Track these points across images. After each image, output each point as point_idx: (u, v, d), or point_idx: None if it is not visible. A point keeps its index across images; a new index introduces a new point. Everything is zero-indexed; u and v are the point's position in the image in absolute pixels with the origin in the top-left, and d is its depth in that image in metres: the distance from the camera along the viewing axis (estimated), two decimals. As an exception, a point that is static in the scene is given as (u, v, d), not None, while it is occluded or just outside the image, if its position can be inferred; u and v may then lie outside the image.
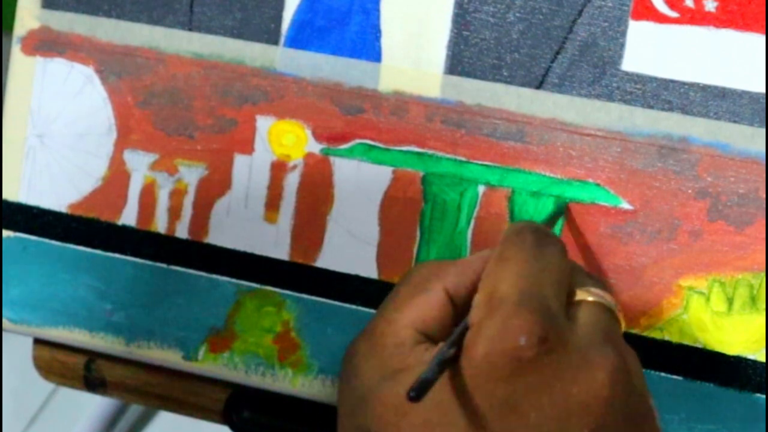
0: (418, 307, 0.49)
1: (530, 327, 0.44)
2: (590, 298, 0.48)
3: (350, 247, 0.61)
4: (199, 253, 0.64)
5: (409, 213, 0.61)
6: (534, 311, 0.45)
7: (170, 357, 0.64)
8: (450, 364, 0.45)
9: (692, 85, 0.57)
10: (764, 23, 0.56)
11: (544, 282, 0.46)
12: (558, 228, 0.59)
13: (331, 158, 0.62)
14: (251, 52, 0.63)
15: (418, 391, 0.42)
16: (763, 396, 0.56)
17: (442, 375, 0.44)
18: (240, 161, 0.63)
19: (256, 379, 0.63)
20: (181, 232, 0.64)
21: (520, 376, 0.44)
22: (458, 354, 0.45)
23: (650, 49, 0.57)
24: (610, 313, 0.48)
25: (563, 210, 0.58)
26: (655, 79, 0.57)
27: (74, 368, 0.68)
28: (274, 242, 0.63)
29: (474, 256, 0.51)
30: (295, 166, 0.62)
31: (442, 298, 0.49)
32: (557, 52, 0.59)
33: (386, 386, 0.46)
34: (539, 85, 0.59)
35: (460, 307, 0.50)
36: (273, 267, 0.63)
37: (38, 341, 0.68)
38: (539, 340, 0.44)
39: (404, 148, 0.61)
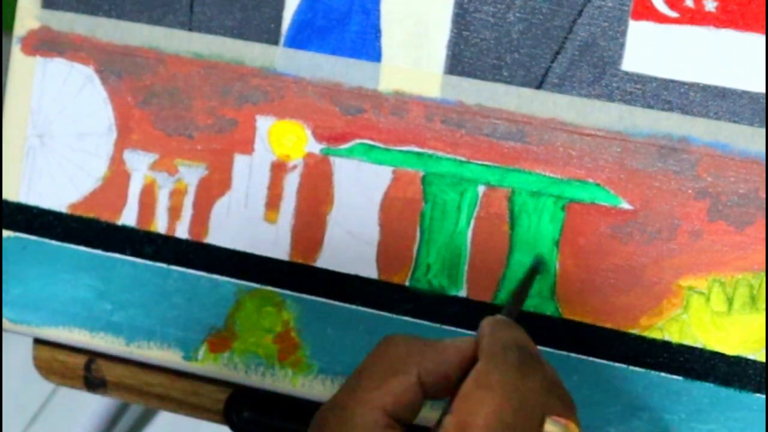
0: (391, 390, 0.49)
1: None
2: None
3: (350, 247, 0.61)
4: (199, 253, 0.64)
5: (409, 213, 0.61)
6: None
7: (170, 357, 0.64)
8: None
9: (692, 85, 0.57)
10: (764, 23, 0.56)
11: (519, 426, 0.47)
12: (557, 228, 0.59)
13: (331, 158, 0.62)
14: (251, 52, 0.63)
15: None
16: (763, 396, 0.56)
17: None
18: (240, 161, 0.63)
19: (256, 379, 0.63)
20: (181, 232, 0.64)
21: None
22: None
23: (650, 49, 0.57)
24: None
25: (539, 266, 0.58)
26: (655, 79, 0.57)
27: (74, 368, 0.68)
28: (274, 242, 0.63)
29: (450, 345, 0.51)
30: (295, 166, 0.62)
31: (414, 382, 0.50)
32: (557, 52, 0.59)
33: None
34: (539, 85, 0.59)
35: (427, 392, 0.50)
36: (273, 267, 0.63)
37: (38, 341, 0.68)
38: None
39: (404, 148, 0.61)
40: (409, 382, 0.50)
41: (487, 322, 0.52)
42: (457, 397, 0.48)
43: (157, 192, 0.64)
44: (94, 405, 1.18)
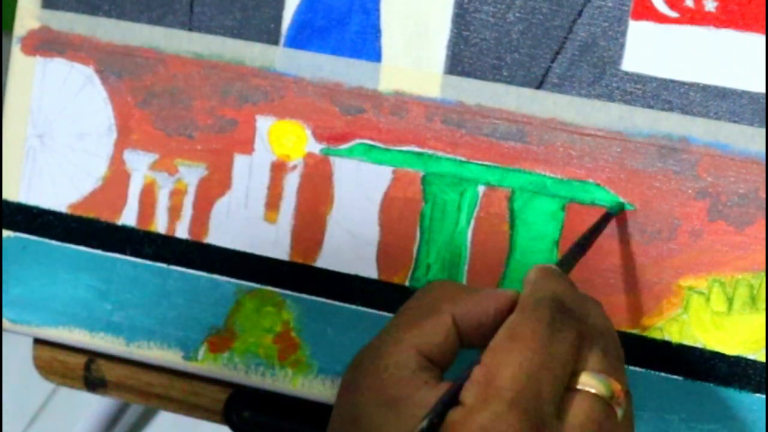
0: (425, 331, 0.49)
1: None
2: (589, 389, 0.48)
3: (350, 247, 0.61)
4: (199, 253, 0.64)
5: (409, 213, 0.61)
6: (524, 416, 0.45)
7: (170, 357, 0.64)
8: None
9: (692, 85, 0.57)
10: (764, 23, 0.56)
11: (546, 379, 0.46)
12: (557, 228, 0.59)
13: (331, 158, 0.62)
14: (251, 52, 0.63)
15: None
16: (763, 396, 0.56)
17: None
18: (240, 161, 0.63)
19: (256, 379, 0.63)
20: (181, 232, 0.64)
21: None
22: (438, 424, 0.45)
23: (650, 49, 0.57)
24: (606, 406, 0.48)
25: (615, 211, 0.57)
26: (655, 79, 0.57)
27: (74, 368, 0.68)
28: (274, 242, 0.63)
29: (490, 294, 0.51)
30: (295, 166, 0.62)
31: (449, 324, 0.49)
32: (557, 52, 0.59)
33: (380, 415, 0.47)
34: (539, 85, 0.59)
35: (463, 338, 0.50)
36: (273, 267, 0.63)
37: (38, 341, 0.68)
38: None
39: (404, 148, 0.61)
40: (442, 323, 0.49)
41: (533, 270, 0.51)
42: (487, 348, 0.47)
43: (157, 192, 0.64)
44: (94, 405, 1.18)
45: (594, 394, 0.47)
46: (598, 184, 0.58)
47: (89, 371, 0.68)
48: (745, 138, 0.56)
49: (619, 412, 0.48)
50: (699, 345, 0.57)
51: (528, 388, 0.46)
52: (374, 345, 0.50)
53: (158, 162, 0.64)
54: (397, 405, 0.47)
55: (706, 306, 0.57)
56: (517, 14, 0.59)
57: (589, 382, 0.48)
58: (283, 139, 0.62)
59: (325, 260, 0.62)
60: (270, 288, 0.63)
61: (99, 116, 0.65)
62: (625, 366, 0.58)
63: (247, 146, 0.63)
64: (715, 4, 0.56)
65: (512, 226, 0.59)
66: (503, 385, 0.46)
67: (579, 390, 0.48)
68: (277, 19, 0.62)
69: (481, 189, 0.60)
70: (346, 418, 0.48)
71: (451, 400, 0.46)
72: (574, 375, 0.48)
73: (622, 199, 0.58)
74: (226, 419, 0.66)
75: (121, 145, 0.65)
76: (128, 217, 0.65)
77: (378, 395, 0.48)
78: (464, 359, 0.50)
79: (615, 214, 0.57)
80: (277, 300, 0.63)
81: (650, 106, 0.58)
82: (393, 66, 0.61)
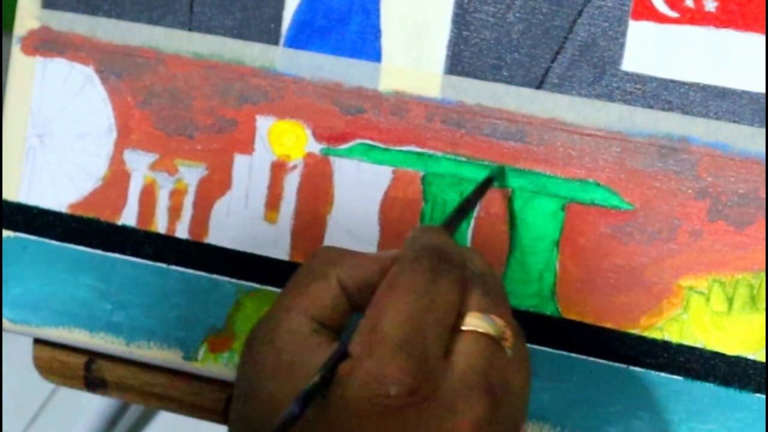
0: (312, 296, 0.50)
1: (403, 376, 0.45)
2: (476, 327, 0.48)
3: (350, 247, 0.61)
4: (199, 253, 0.64)
5: (409, 213, 0.61)
6: (410, 359, 0.46)
7: (170, 357, 0.64)
8: (321, 390, 0.46)
9: (692, 85, 0.57)
10: (764, 23, 0.56)
11: (429, 322, 0.47)
12: (557, 228, 0.59)
13: (331, 158, 0.62)
14: (251, 52, 0.63)
15: (280, 430, 0.44)
16: (763, 396, 0.56)
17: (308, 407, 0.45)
18: (240, 161, 0.63)
19: (256, 379, 0.63)
20: (181, 232, 0.64)
21: (385, 421, 0.45)
22: (330, 380, 0.46)
23: (650, 49, 0.57)
24: (493, 343, 0.48)
25: (496, 174, 0.58)
26: (655, 79, 0.57)
27: (74, 368, 0.68)
28: (274, 242, 0.63)
29: (374, 254, 0.51)
30: (295, 166, 0.62)
31: (335, 287, 0.50)
32: (557, 52, 0.59)
33: (276, 381, 0.47)
34: (539, 85, 0.59)
35: (353, 300, 0.51)
36: (273, 267, 0.63)
37: (38, 341, 0.68)
38: (409, 391, 0.45)
39: (404, 148, 0.61)
40: (328, 286, 0.50)
41: (411, 229, 0.52)
42: (371, 302, 0.48)
43: (157, 192, 0.64)
44: (94, 405, 1.18)
45: (480, 333, 0.48)
46: (598, 184, 0.58)
47: (89, 371, 0.68)
48: (745, 138, 0.56)
49: (508, 349, 0.48)
50: (699, 345, 0.57)
51: (411, 332, 0.46)
52: (266, 317, 0.50)
53: (158, 162, 0.64)
54: (291, 369, 0.47)
55: (706, 306, 0.57)
56: (517, 14, 0.59)
57: (473, 322, 0.48)
58: (283, 139, 0.62)
59: (325, 260, 0.62)
60: (270, 288, 0.63)
61: (99, 116, 0.65)
62: (625, 366, 0.58)
63: (247, 146, 0.63)
64: (715, 4, 0.56)
65: (512, 226, 0.59)
66: (386, 331, 0.46)
67: (465, 331, 0.48)
68: (277, 19, 0.62)
69: (481, 189, 0.60)
70: (246, 388, 0.49)
71: (341, 354, 0.47)
72: (459, 318, 0.48)
73: (497, 170, 0.58)
74: (226, 419, 0.66)
75: (121, 145, 0.65)
76: (128, 217, 0.65)
77: (273, 362, 0.48)
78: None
79: (496, 176, 0.58)
80: (277, 300, 0.63)
81: (650, 106, 0.58)
82: (393, 66, 0.61)
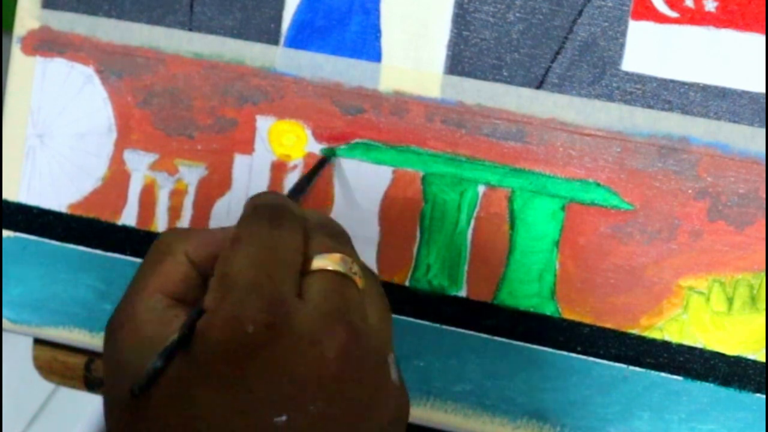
0: (163, 272, 0.51)
1: (257, 314, 0.46)
2: (327, 266, 0.49)
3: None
4: (199, 253, 0.64)
5: (409, 213, 0.61)
6: (262, 297, 0.46)
7: (170, 357, 0.64)
8: (182, 346, 0.47)
9: (692, 85, 0.57)
10: (764, 23, 0.56)
11: (275, 263, 0.48)
12: (557, 228, 0.59)
13: (331, 158, 0.62)
14: (251, 52, 0.63)
15: (142, 387, 0.45)
16: (763, 396, 0.56)
17: (173, 362, 0.46)
18: (240, 161, 0.63)
19: (256, 379, 0.63)
20: (181, 232, 0.64)
21: (251, 359, 0.46)
22: (189, 337, 0.47)
23: (650, 49, 0.57)
24: (344, 279, 0.49)
25: (325, 161, 0.60)
26: (655, 79, 0.57)
27: (74, 368, 0.68)
28: (274, 242, 0.63)
29: (219, 229, 0.52)
30: (295, 166, 0.62)
31: (184, 261, 0.51)
32: (557, 52, 0.59)
33: (139, 355, 0.48)
34: (539, 85, 0.59)
35: (203, 273, 0.51)
36: (273, 267, 0.63)
37: (38, 341, 0.68)
38: (267, 325, 0.46)
39: (404, 148, 0.61)
40: (177, 261, 0.51)
41: (253, 195, 0.53)
42: (217, 260, 0.49)
43: (157, 192, 0.64)
44: (94, 405, 1.18)
45: (328, 270, 0.49)
46: (598, 184, 0.58)
47: (89, 371, 0.68)
48: (745, 138, 0.56)
49: (360, 283, 0.49)
50: (699, 345, 0.57)
51: (259, 275, 0.47)
52: (122, 301, 0.51)
53: (158, 162, 0.64)
54: (152, 341, 0.48)
55: (706, 306, 0.57)
56: (517, 14, 0.59)
57: (319, 263, 0.49)
58: (283, 139, 0.62)
59: (325, 260, 0.62)
60: (270, 288, 0.63)
61: (99, 116, 0.65)
62: (625, 366, 0.58)
63: (247, 146, 0.63)
64: (715, 4, 0.56)
65: (512, 226, 0.59)
66: (235, 279, 0.47)
67: (314, 271, 0.49)
68: (277, 19, 0.62)
69: (481, 189, 0.60)
70: (111, 367, 0.49)
71: (199, 312, 0.47)
72: (306, 261, 0.49)
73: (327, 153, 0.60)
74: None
75: (121, 144, 0.65)
76: (128, 217, 0.65)
77: (134, 338, 0.49)
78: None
79: (330, 158, 0.61)
80: (277, 300, 0.63)
81: (650, 106, 0.58)
82: (393, 66, 0.61)
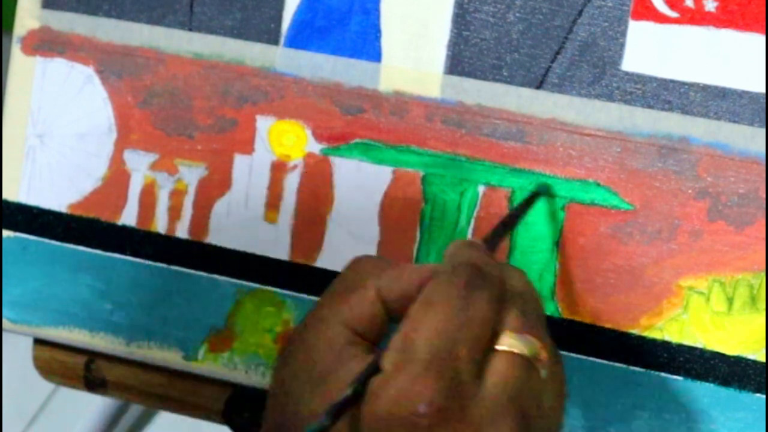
0: (351, 306, 0.50)
1: (432, 395, 0.45)
2: (510, 348, 0.48)
3: (350, 247, 0.61)
4: (199, 253, 0.64)
5: (409, 213, 0.61)
6: (440, 377, 0.45)
7: (170, 357, 0.64)
8: (351, 404, 0.46)
9: (692, 85, 0.57)
10: (764, 23, 0.56)
11: (462, 340, 0.46)
12: (557, 228, 0.59)
13: (331, 158, 0.62)
14: (251, 52, 0.63)
15: None
16: (763, 396, 0.56)
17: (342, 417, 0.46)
18: (240, 161, 0.63)
19: (256, 379, 0.63)
20: (181, 232, 0.64)
21: None
22: (362, 394, 0.46)
23: (650, 49, 0.57)
24: (527, 365, 0.48)
25: (545, 190, 0.58)
26: (655, 79, 0.57)
27: (74, 368, 0.68)
28: (274, 242, 0.63)
29: (413, 266, 0.51)
30: (295, 166, 0.62)
31: (374, 297, 0.50)
32: (557, 52, 0.59)
33: (311, 391, 0.48)
34: (539, 85, 0.59)
35: (390, 311, 0.50)
36: (273, 267, 0.63)
37: (38, 341, 0.68)
38: (437, 410, 0.45)
39: (404, 148, 0.61)
40: (367, 296, 0.50)
41: (452, 243, 0.52)
42: (405, 316, 0.48)
43: (157, 192, 0.64)
44: (94, 405, 1.18)
45: (514, 353, 0.47)
46: (598, 184, 0.58)
47: (89, 371, 0.68)
48: (745, 138, 0.56)
49: (543, 371, 0.48)
50: (699, 345, 0.57)
51: (443, 350, 0.46)
52: (304, 324, 0.50)
53: (158, 162, 0.64)
54: (326, 379, 0.48)
55: (706, 306, 0.57)
56: (517, 14, 0.59)
57: (507, 342, 0.47)
58: (283, 139, 0.62)
59: (325, 260, 0.62)
60: (270, 288, 0.63)
61: (99, 116, 0.65)
62: (625, 366, 0.58)
63: (247, 146, 0.63)
64: (715, 4, 0.56)
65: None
66: (418, 348, 0.46)
67: (499, 350, 0.47)
68: (277, 19, 0.62)
69: (481, 189, 0.60)
70: (280, 396, 0.49)
71: (374, 368, 0.47)
72: (494, 336, 0.48)
73: (543, 185, 0.58)
74: (226, 419, 0.66)
75: (121, 145, 0.65)
76: (128, 217, 0.65)
77: (309, 371, 0.48)
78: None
79: (543, 193, 0.58)
80: (277, 300, 0.63)
81: (650, 106, 0.58)
82: (393, 66, 0.61)
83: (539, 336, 0.48)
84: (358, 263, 0.52)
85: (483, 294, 0.48)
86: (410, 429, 0.45)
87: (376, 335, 0.50)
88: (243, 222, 0.63)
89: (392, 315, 0.50)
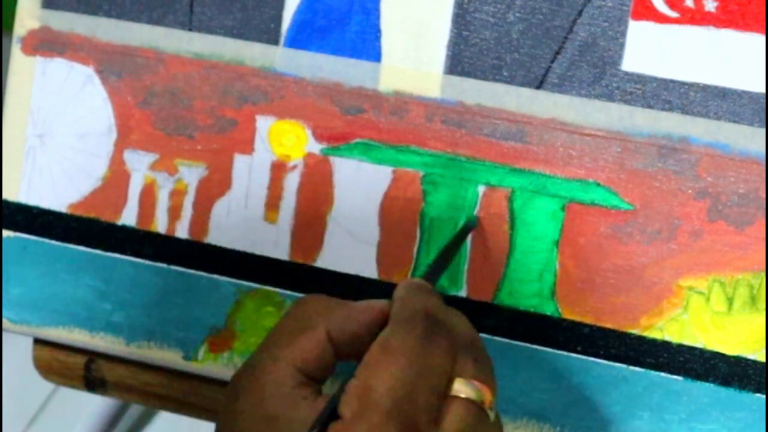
0: (300, 346, 0.50)
1: None
2: (463, 395, 0.49)
3: (350, 247, 0.61)
4: (199, 253, 0.64)
5: (409, 213, 0.61)
6: (401, 426, 0.46)
7: (170, 357, 0.64)
8: None
9: (692, 85, 0.57)
10: (764, 23, 0.56)
11: (421, 389, 0.47)
12: (557, 228, 0.59)
13: (331, 158, 0.62)
14: (251, 52, 0.63)
15: None
16: (763, 396, 0.56)
17: None
18: (240, 161, 0.63)
19: (256, 379, 0.63)
20: (181, 232, 0.64)
21: None
22: None
23: (650, 49, 0.57)
24: (479, 410, 0.49)
25: (473, 224, 0.59)
26: (655, 79, 0.57)
27: (74, 368, 0.68)
28: (274, 242, 0.63)
29: (363, 306, 0.52)
30: (295, 166, 0.62)
31: (323, 338, 0.51)
32: (557, 52, 0.59)
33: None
34: (539, 85, 0.59)
35: (339, 350, 0.51)
36: (273, 267, 0.63)
37: (38, 341, 0.68)
38: None
39: (404, 148, 0.61)
40: (317, 338, 0.50)
41: (402, 285, 0.53)
42: (362, 362, 0.48)
43: (157, 192, 0.64)
44: (94, 405, 1.18)
45: (467, 400, 0.48)
46: (598, 184, 0.58)
47: (89, 371, 0.68)
48: (745, 138, 0.56)
49: (491, 413, 0.49)
50: (699, 345, 0.57)
51: (404, 399, 0.47)
52: (252, 363, 0.51)
53: (158, 162, 0.64)
54: (276, 422, 0.48)
55: (706, 306, 0.57)
56: (517, 14, 0.59)
57: (462, 389, 0.49)
58: (283, 139, 0.62)
59: (325, 260, 0.62)
60: (270, 288, 0.63)
61: (99, 116, 0.65)
62: (625, 366, 0.58)
63: (247, 146, 0.63)
64: (715, 4, 0.56)
65: (512, 226, 0.59)
66: (379, 397, 0.47)
67: (453, 397, 0.48)
68: (277, 19, 0.62)
69: (481, 189, 0.60)
70: (230, 429, 0.49)
71: (331, 414, 0.47)
72: (448, 383, 0.49)
73: (470, 218, 0.59)
74: (226, 419, 0.66)
75: (121, 145, 0.65)
76: (128, 217, 0.65)
77: (258, 413, 0.49)
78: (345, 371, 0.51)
79: (474, 227, 0.59)
80: (277, 300, 0.63)
81: (650, 106, 0.58)
82: (393, 66, 0.61)
83: (488, 383, 0.50)
84: (306, 302, 0.52)
85: (441, 343, 0.49)
86: None
87: (323, 375, 0.51)
88: (243, 222, 0.63)
89: (341, 354, 0.51)
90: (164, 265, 0.64)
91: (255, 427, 0.48)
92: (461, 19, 0.60)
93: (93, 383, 0.68)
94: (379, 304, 0.52)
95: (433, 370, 0.48)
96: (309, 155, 0.62)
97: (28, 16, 0.66)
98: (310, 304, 0.52)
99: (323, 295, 0.53)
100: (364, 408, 0.46)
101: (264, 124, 0.63)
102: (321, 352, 0.50)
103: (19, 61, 0.66)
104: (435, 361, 0.48)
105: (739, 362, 0.57)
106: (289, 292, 0.62)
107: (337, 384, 0.50)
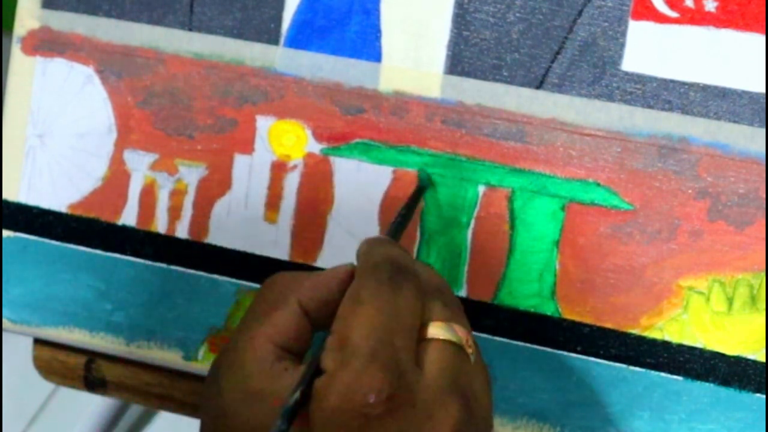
0: (274, 322, 0.51)
1: (380, 384, 0.46)
2: (439, 336, 0.49)
3: (350, 247, 0.61)
4: (199, 253, 0.64)
5: (409, 213, 0.61)
6: (384, 367, 0.47)
7: (170, 357, 0.64)
8: (300, 407, 0.47)
9: (692, 85, 0.57)
10: (764, 23, 0.56)
11: (396, 331, 0.48)
12: (557, 228, 0.59)
13: (331, 158, 0.62)
14: (251, 52, 0.63)
15: None
16: (763, 396, 0.56)
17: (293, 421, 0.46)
18: (240, 161, 0.63)
19: (256, 379, 0.63)
20: (181, 232, 0.64)
21: (367, 430, 0.46)
22: (307, 396, 0.47)
23: (650, 49, 0.57)
24: (459, 351, 0.49)
25: (426, 182, 0.59)
26: (655, 79, 0.57)
27: (74, 368, 0.68)
28: (274, 242, 0.63)
29: (329, 272, 0.52)
30: (295, 166, 0.62)
31: (297, 311, 0.51)
32: (557, 52, 0.59)
33: (247, 409, 0.48)
34: (539, 85, 0.59)
35: (314, 321, 0.51)
36: (273, 267, 0.63)
37: (38, 341, 0.68)
38: (387, 397, 0.46)
39: (404, 148, 0.61)
40: (290, 311, 0.51)
41: (363, 241, 0.53)
42: (336, 316, 0.49)
43: (157, 192, 0.64)
44: (94, 405, 1.18)
45: (445, 341, 0.49)
46: (598, 184, 0.58)
47: (89, 371, 0.68)
48: (745, 138, 0.56)
49: (471, 356, 0.50)
50: (699, 345, 0.57)
51: (380, 342, 0.47)
52: (230, 346, 0.51)
53: (158, 162, 0.64)
54: (261, 396, 0.48)
55: (706, 306, 0.57)
56: (517, 14, 0.59)
57: (437, 332, 0.49)
58: (283, 139, 0.62)
59: (325, 260, 0.62)
60: (270, 288, 0.63)
61: (99, 116, 0.65)
62: (625, 366, 0.58)
63: (247, 146, 0.63)
64: (715, 4, 0.56)
65: (512, 226, 0.59)
66: (357, 344, 0.47)
67: (430, 339, 0.49)
68: (277, 19, 0.62)
69: (481, 189, 0.60)
70: (216, 416, 0.50)
71: (314, 371, 0.47)
72: (422, 327, 0.49)
73: (424, 175, 0.59)
74: (226, 419, 0.66)
75: (121, 145, 0.65)
76: (128, 217, 0.65)
77: (241, 391, 0.49)
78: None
79: (428, 185, 0.59)
80: (277, 300, 0.63)
81: (650, 106, 0.58)
82: (393, 66, 0.61)
83: (463, 324, 0.50)
84: (274, 281, 0.53)
85: (407, 287, 0.49)
86: (362, 421, 0.46)
87: (302, 348, 0.51)
88: (243, 222, 0.63)
89: (317, 324, 0.51)
90: (164, 265, 0.64)
91: (240, 404, 0.49)
92: (461, 19, 0.60)
93: (93, 383, 0.68)
94: (344, 266, 0.52)
95: (405, 312, 0.48)
96: (309, 155, 0.62)
97: (28, 16, 0.66)
98: (278, 281, 0.52)
99: (289, 271, 0.53)
100: (344, 357, 0.47)
101: (264, 124, 0.63)
102: (296, 324, 0.51)
103: (19, 61, 0.66)
104: (405, 304, 0.49)
105: (739, 362, 0.57)
106: (289, 292, 0.62)
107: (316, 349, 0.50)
